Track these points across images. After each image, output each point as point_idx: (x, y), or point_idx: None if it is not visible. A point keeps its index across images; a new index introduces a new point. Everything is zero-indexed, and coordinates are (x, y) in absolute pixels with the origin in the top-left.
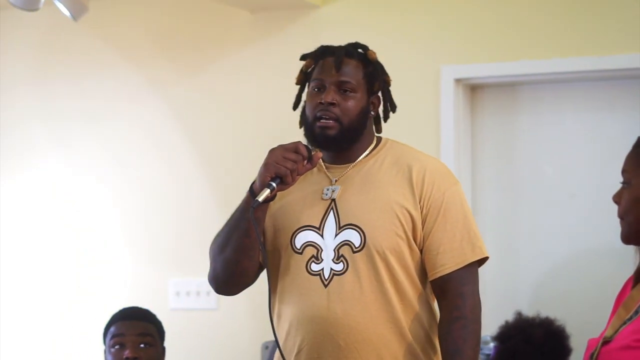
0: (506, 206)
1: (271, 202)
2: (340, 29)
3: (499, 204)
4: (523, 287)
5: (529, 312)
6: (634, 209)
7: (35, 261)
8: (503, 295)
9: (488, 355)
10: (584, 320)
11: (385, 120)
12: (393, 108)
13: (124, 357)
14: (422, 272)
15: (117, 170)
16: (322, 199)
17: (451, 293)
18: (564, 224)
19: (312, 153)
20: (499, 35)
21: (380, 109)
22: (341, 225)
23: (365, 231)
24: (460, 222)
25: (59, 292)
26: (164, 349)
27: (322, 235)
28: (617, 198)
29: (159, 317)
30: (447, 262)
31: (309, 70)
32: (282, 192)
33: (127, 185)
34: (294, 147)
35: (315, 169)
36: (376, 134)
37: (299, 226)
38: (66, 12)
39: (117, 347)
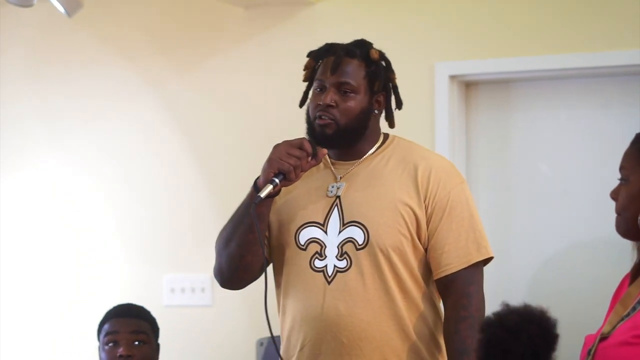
0: (500, 203)
1: (276, 197)
2: (334, 26)
3: (493, 200)
4: (517, 284)
5: None
6: (631, 205)
7: (33, 260)
8: (497, 292)
9: None
10: (580, 318)
11: (392, 117)
12: (399, 105)
13: (118, 354)
14: (426, 270)
15: (110, 166)
16: (327, 195)
17: (457, 292)
18: (558, 221)
19: (317, 149)
20: (493, 31)
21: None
22: (345, 222)
23: (369, 229)
24: (465, 221)
25: (56, 291)
26: (158, 345)
27: (325, 232)
28: (614, 194)
29: (154, 313)
30: (452, 262)
31: (315, 67)
32: (287, 187)
33: (121, 181)
34: (299, 143)
35: (320, 165)
36: (382, 132)
37: (303, 222)
38: (60, 9)
39: (111, 344)
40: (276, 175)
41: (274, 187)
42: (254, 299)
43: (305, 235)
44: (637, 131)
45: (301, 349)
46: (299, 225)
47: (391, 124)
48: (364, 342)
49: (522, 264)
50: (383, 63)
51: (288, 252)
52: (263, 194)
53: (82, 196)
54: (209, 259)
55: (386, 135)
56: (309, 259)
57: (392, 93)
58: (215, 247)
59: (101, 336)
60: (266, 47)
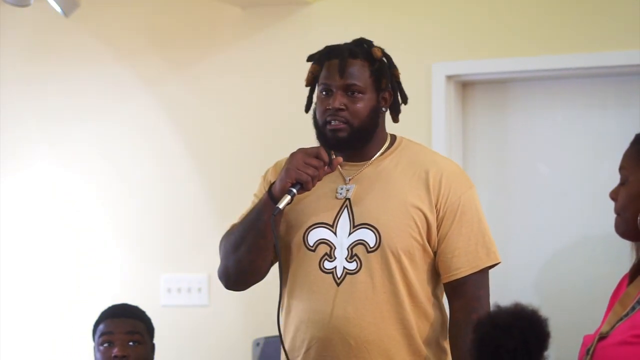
0: (497, 203)
1: None
2: (331, 26)
3: (490, 201)
4: (515, 284)
5: None
6: (631, 205)
7: (32, 260)
8: (495, 292)
9: None
10: (578, 317)
11: (398, 112)
12: (404, 100)
13: (113, 355)
14: (434, 275)
15: (107, 166)
16: (336, 197)
17: (467, 296)
18: (556, 221)
19: (332, 158)
20: (490, 32)
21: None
22: (356, 224)
23: (380, 231)
24: (475, 225)
25: (56, 291)
26: (153, 346)
27: (335, 233)
28: (613, 195)
29: (151, 313)
30: (462, 266)
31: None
32: None
33: (117, 181)
34: (316, 153)
35: None
36: (389, 133)
37: (312, 223)
38: (57, 8)
39: (105, 345)
40: (293, 185)
41: (291, 198)
42: (251, 299)
43: (314, 236)
44: (635, 131)
45: (307, 349)
46: (307, 226)
47: (395, 119)
48: (372, 345)
49: (520, 264)
50: (385, 60)
51: (296, 253)
52: (282, 205)
53: (78, 195)
54: (206, 259)
55: (393, 137)
56: (319, 260)
57: (397, 89)
58: (221, 250)
59: (96, 337)
60: (263, 47)
